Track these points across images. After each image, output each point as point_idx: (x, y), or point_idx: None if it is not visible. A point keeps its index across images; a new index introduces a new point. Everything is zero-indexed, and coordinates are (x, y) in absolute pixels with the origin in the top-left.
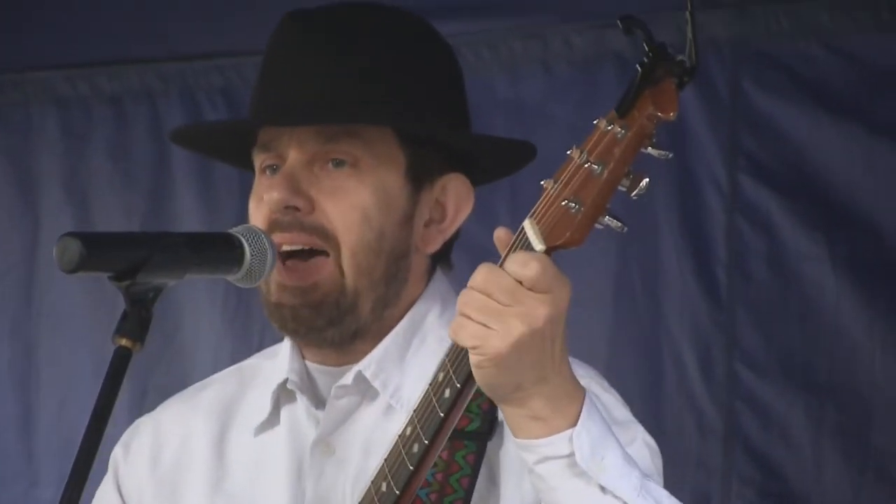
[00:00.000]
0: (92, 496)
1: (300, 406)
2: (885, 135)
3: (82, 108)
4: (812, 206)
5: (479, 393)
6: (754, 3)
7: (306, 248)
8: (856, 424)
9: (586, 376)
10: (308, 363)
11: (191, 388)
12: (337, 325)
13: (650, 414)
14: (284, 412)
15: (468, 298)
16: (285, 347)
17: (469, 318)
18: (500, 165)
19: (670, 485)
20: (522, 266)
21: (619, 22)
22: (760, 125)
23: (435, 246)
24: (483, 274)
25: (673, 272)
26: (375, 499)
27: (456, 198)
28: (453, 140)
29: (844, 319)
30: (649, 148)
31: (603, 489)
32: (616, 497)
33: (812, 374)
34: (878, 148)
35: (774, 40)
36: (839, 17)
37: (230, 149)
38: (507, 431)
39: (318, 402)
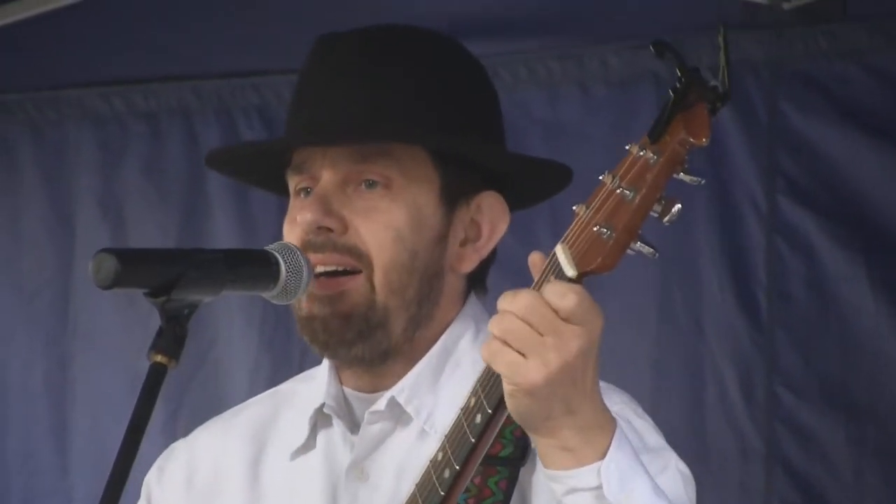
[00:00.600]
0: None
1: (336, 431)
2: None
3: (118, 125)
4: (850, 227)
5: (511, 419)
6: (791, 24)
7: (339, 268)
8: (895, 447)
9: (620, 402)
10: (345, 388)
11: (227, 413)
12: (366, 339)
13: (692, 434)
14: (321, 437)
15: (506, 324)
16: (322, 371)
17: (507, 344)
18: (536, 186)
19: None
20: (561, 297)
21: (651, 47)
22: (798, 146)
23: (471, 265)
24: (526, 301)
25: (714, 295)
26: None
27: (491, 216)
28: (487, 158)
29: (883, 341)
30: (681, 174)
31: None
32: None
33: (852, 396)
34: None
35: (812, 61)
36: (876, 38)
37: (265, 172)
38: (539, 458)
39: (354, 426)
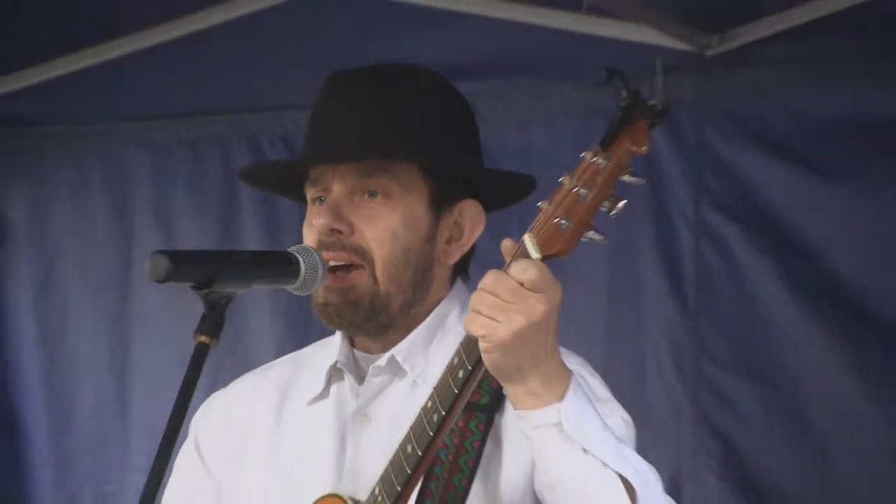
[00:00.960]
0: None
1: (346, 384)
2: (820, 174)
3: (167, 151)
4: (763, 233)
5: (487, 373)
6: (714, 67)
7: (347, 263)
8: (798, 409)
9: (576, 363)
10: (355, 350)
11: (258, 369)
12: (372, 320)
13: (635, 402)
14: (333, 388)
15: (479, 297)
16: (337, 337)
17: (480, 313)
18: (508, 194)
19: (652, 462)
20: (523, 271)
21: (605, 71)
22: (720, 168)
23: (454, 259)
24: (492, 277)
25: (652, 286)
26: (402, 459)
27: (470, 220)
28: (467, 172)
29: (789, 325)
30: (627, 176)
31: (584, 451)
32: (595, 457)
33: (764, 370)
34: (817, 186)
35: (731, 98)
36: (784, 79)
37: (288, 185)
38: (509, 405)
39: (360, 380)
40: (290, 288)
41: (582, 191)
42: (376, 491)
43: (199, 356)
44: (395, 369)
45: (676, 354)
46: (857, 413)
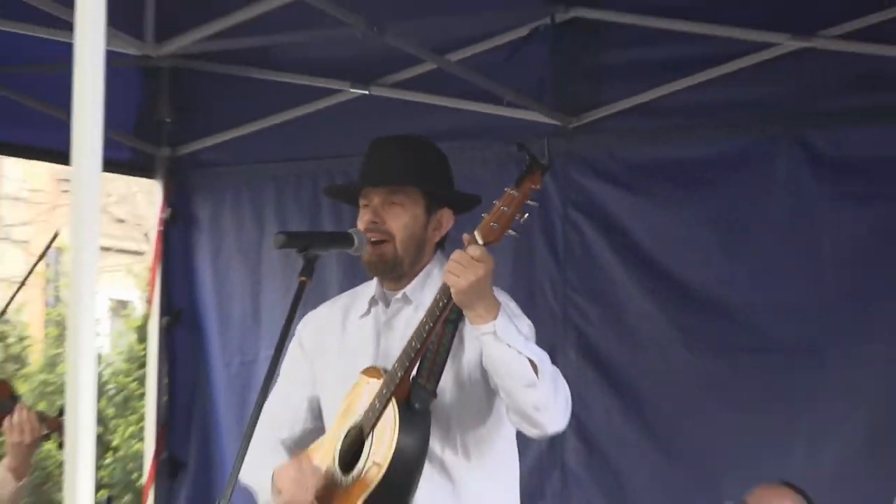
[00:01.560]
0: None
1: (380, 307)
2: (637, 192)
3: (283, 181)
4: (602, 224)
5: (455, 304)
6: (574, 133)
7: (380, 240)
8: (626, 317)
9: (503, 296)
10: (384, 289)
11: (332, 299)
12: (393, 271)
13: (532, 314)
14: (373, 310)
15: (450, 264)
16: (374, 281)
17: (451, 272)
18: (465, 205)
19: (540, 346)
20: (473, 250)
21: (517, 144)
22: (578, 188)
23: (436, 240)
24: (457, 253)
25: (540, 254)
26: (410, 348)
27: (446, 220)
28: (443, 193)
29: (617, 270)
30: (530, 202)
31: (508, 345)
32: (513, 348)
33: (602, 294)
34: (635, 200)
35: (584, 150)
36: (613, 139)
37: (349, 197)
38: (467, 319)
39: (387, 305)
40: (350, 251)
41: (504, 208)
42: (395, 365)
43: (300, 289)
44: (406, 300)
45: (553, 287)
46: (658, 321)
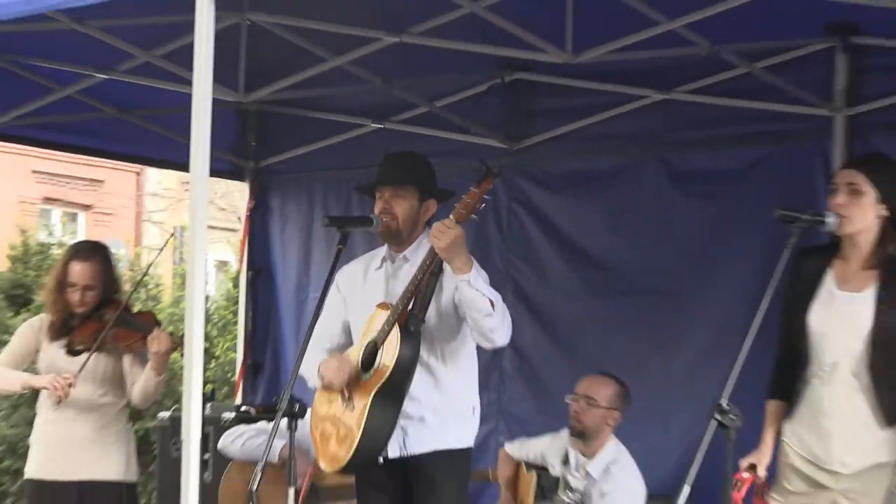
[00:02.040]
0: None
1: (389, 263)
2: (558, 192)
3: (328, 182)
4: (535, 213)
5: (439, 259)
6: (516, 154)
7: (388, 220)
8: (552, 273)
9: (472, 258)
10: (391, 252)
11: (359, 258)
12: (396, 239)
13: (487, 269)
14: (384, 265)
15: (434, 230)
16: (385, 247)
17: (434, 236)
18: (444, 197)
19: None
20: (448, 223)
21: (479, 160)
22: (517, 189)
23: (425, 220)
24: (437, 224)
25: (491, 234)
26: (407, 292)
27: (432, 207)
28: (430, 190)
29: (543, 243)
30: (486, 196)
31: (477, 290)
32: (479, 291)
33: (533, 262)
34: (557, 198)
35: (522, 164)
36: (541, 156)
37: (370, 192)
38: (448, 270)
39: (393, 262)
40: (370, 229)
41: (469, 201)
42: (398, 301)
43: (338, 254)
44: (405, 259)
45: (499, 253)
46: (568, 276)
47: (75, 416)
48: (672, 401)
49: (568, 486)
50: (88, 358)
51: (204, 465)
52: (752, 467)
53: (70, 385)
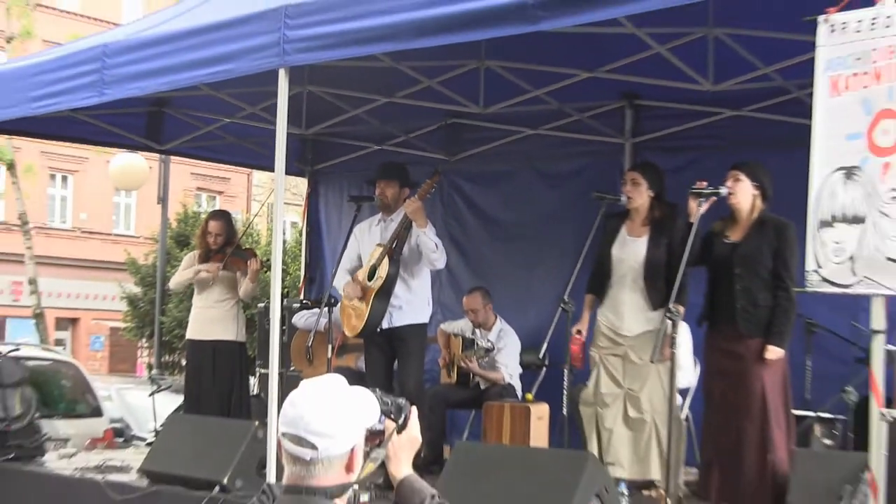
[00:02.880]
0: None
1: (383, 222)
2: (478, 183)
3: (352, 181)
4: (465, 200)
5: (410, 221)
6: (453, 164)
7: (383, 199)
8: (481, 241)
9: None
10: (383, 216)
11: (368, 219)
12: (387, 210)
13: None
14: (380, 223)
15: (407, 204)
16: (381, 213)
17: (405, 206)
18: (413, 185)
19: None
20: (415, 199)
21: (435, 168)
22: (457, 184)
23: (403, 198)
24: (409, 200)
25: (438, 211)
26: (392, 238)
27: (406, 192)
28: (406, 181)
29: (474, 231)
30: (435, 185)
31: (430, 238)
32: (431, 240)
33: (466, 233)
34: (477, 193)
35: (457, 170)
36: (475, 167)
37: (373, 183)
38: (414, 226)
39: (385, 222)
40: (373, 204)
41: (426, 187)
42: (388, 243)
43: (354, 217)
44: (392, 220)
45: (442, 219)
46: (481, 233)
47: (211, 304)
48: (532, 298)
49: (477, 343)
50: (219, 271)
51: (282, 332)
52: (579, 332)
53: (217, 272)
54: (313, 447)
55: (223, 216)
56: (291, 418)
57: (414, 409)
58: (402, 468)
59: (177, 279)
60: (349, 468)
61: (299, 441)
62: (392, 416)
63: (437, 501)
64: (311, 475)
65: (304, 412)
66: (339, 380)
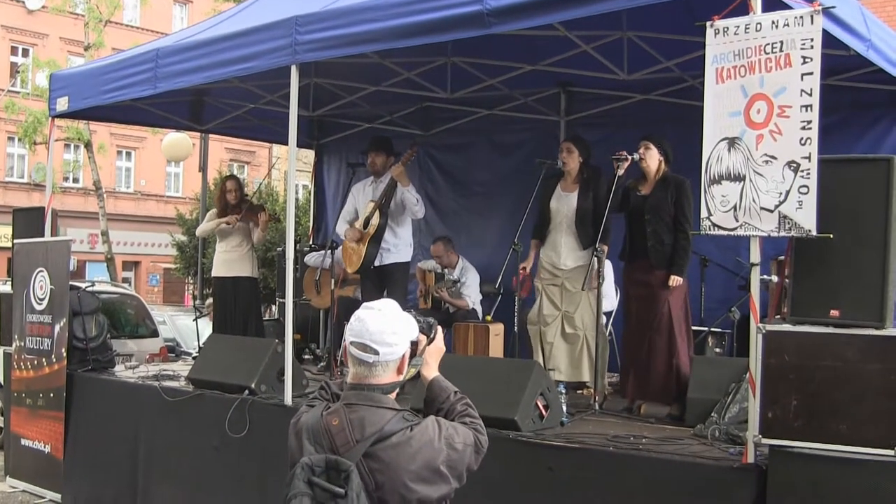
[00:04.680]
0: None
1: (375, 183)
2: (450, 154)
3: (353, 153)
4: (443, 172)
5: (395, 181)
6: (428, 138)
7: (373, 166)
8: (445, 210)
9: (411, 182)
10: (375, 179)
11: (363, 181)
12: (377, 174)
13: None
14: (372, 183)
15: (392, 168)
16: (372, 176)
17: (392, 170)
18: (397, 154)
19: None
20: (399, 165)
21: (413, 140)
22: (430, 154)
23: (389, 165)
24: (394, 166)
25: (417, 183)
26: (381, 195)
27: (392, 159)
28: (390, 151)
29: (444, 192)
30: (415, 153)
31: (411, 194)
32: (413, 196)
33: (446, 202)
34: (452, 158)
35: (433, 142)
36: (439, 138)
37: (366, 153)
38: (399, 185)
39: (376, 182)
40: (367, 168)
41: (407, 156)
42: (378, 198)
43: (350, 179)
44: (381, 182)
45: (420, 179)
46: (450, 194)
47: (231, 248)
48: (489, 241)
49: (447, 277)
50: (237, 221)
51: (296, 270)
52: (524, 268)
53: (237, 221)
54: (376, 352)
55: (235, 178)
56: (358, 330)
57: (439, 327)
58: (431, 371)
59: (202, 228)
60: (399, 370)
61: (364, 348)
62: (424, 331)
63: (458, 396)
64: (373, 375)
65: (370, 325)
66: (393, 303)
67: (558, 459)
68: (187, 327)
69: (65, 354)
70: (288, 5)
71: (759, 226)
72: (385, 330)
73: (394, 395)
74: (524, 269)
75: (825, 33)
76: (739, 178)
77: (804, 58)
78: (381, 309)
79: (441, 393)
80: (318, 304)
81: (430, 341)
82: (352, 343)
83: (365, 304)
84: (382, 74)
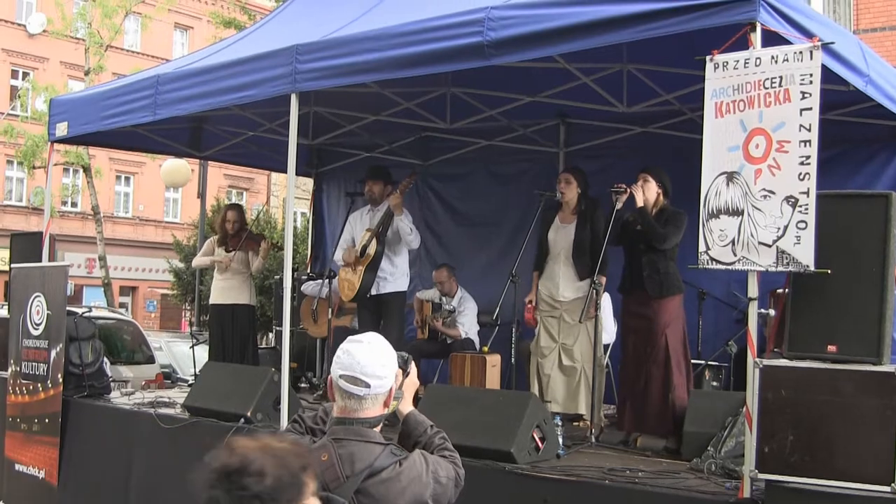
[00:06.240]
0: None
1: (371, 212)
2: (447, 183)
3: (354, 176)
4: (438, 197)
5: (391, 211)
6: (427, 170)
7: (371, 195)
8: (444, 236)
9: (406, 211)
10: (371, 207)
11: (360, 210)
12: (375, 203)
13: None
14: (369, 212)
15: (390, 198)
16: (370, 205)
17: (389, 200)
18: (395, 183)
19: None
20: (397, 194)
21: (412, 170)
22: (432, 185)
23: (387, 194)
24: (391, 196)
25: (416, 205)
26: (378, 224)
27: (389, 188)
28: (388, 181)
29: (443, 217)
30: (412, 182)
31: (405, 223)
32: (408, 226)
33: (438, 222)
34: (449, 187)
35: (432, 173)
36: (449, 172)
37: (365, 182)
38: (395, 215)
39: (373, 211)
40: (364, 198)
41: (404, 185)
42: (375, 226)
43: (349, 208)
44: (378, 210)
45: (419, 208)
46: (449, 221)
47: (229, 276)
48: (488, 271)
49: (443, 307)
50: (235, 252)
51: (293, 298)
52: (530, 302)
53: (230, 261)
54: (367, 385)
55: (237, 208)
56: (348, 364)
57: (413, 362)
58: (407, 405)
59: (197, 262)
60: (386, 404)
61: (355, 381)
62: (400, 366)
63: (435, 430)
64: (361, 408)
65: (360, 358)
66: (379, 336)
67: (554, 492)
68: (184, 353)
69: (61, 380)
70: (289, 34)
71: (757, 260)
72: (375, 362)
73: (378, 428)
74: (530, 302)
75: (824, 68)
76: (738, 212)
77: (803, 93)
78: (370, 342)
79: (417, 427)
80: (314, 332)
81: (406, 375)
82: (341, 376)
83: (350, 337)
84: (382, 104)
